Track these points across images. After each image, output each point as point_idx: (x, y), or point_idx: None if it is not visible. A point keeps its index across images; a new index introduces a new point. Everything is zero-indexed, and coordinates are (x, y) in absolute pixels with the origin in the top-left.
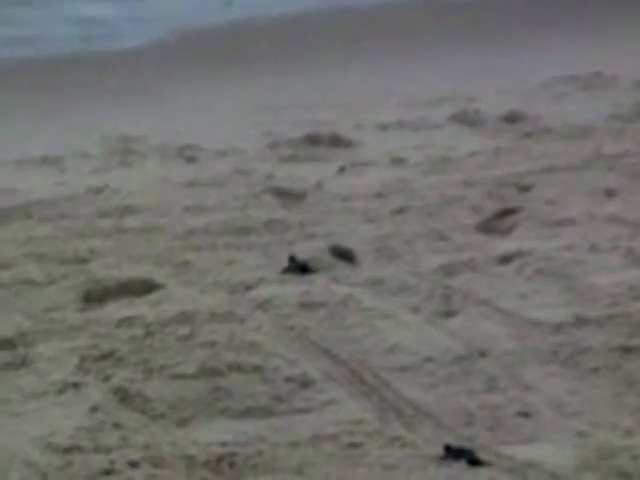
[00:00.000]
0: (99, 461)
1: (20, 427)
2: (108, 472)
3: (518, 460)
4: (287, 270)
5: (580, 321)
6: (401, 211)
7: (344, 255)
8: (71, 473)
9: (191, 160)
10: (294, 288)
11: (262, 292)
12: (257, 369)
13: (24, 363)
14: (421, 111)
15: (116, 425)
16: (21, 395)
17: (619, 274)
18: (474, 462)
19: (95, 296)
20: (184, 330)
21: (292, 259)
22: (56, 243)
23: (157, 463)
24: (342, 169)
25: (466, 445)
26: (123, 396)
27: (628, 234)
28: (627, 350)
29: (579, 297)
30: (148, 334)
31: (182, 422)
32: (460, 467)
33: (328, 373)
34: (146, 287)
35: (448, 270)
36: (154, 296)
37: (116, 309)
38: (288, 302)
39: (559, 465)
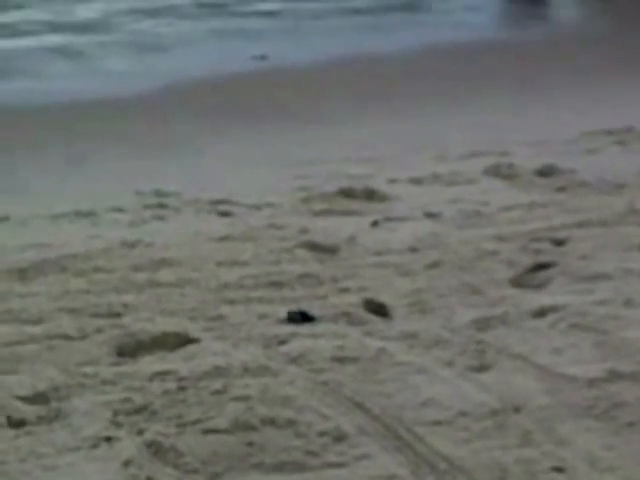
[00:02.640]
0: None
1: None
2: None
3: None
4: (289, 320)
5: (614, 376)
6: (435, 265)
7: (378, 309)
8: None
9: (225, 214)
10: (327, 342)
11: (295, 346)
12: (290, 423)
13: (57, 417)
14: (454, 165)
15: None
16: (54, 449)
17: None
18: None
19: (128, 350)
20: (217, 384)
21: (289, 312)
22: (89, 297)
23: None
24: (375, 223)
25: None
26: (156, 450)
27: None
28: None
29: (613, 352)
30: (181, 388)
31: (215, 477)
32: None
33: (361, 427)
34: (179, 341)
35: (482, 324)
36: (187, 350)
37: (149, 363)
38: (321, 356)
39: None
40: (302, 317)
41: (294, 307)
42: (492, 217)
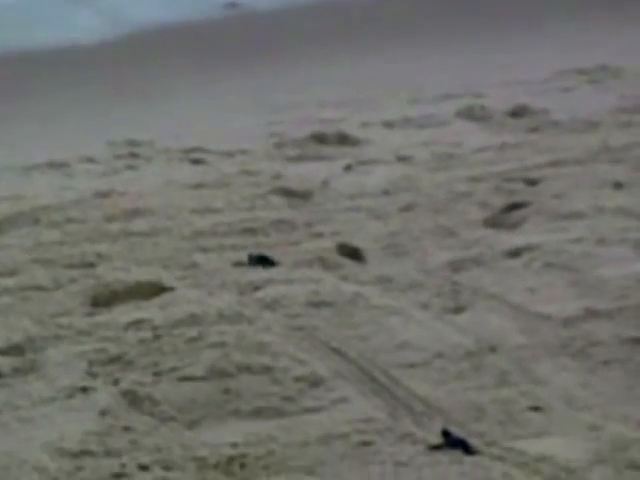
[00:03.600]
0: (109, 465)
1: (30, 433)
2: (118, 476)
3: (530, 455)
4: (250, 262)
5: (590, 314)
6: (408, 208)
7: (352, 253)
8: (82, 477)
9: (197, 162)
10: (302, 287)
11: (270, 292)
12: (266, 369)
13: (32, 368)
14: (427, 108)
15: (126, 429)
16: (30, 401)
17: (628, 266)
18: (469, 452)
19: (103, 300)
20: (193, 332)
21: (250, 256)
22: (63, 248)
23: (167, 466)
24: (348, 167)
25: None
26: (132, 399)
27: (636, 226)
28: (638, 342)
29: (588, 290)
30: (156, 337)
31: (192, 424)
32: (472, 462)
33: (338, 371)
34: (154, 290)
35: (456, 266)
36: (162, 299)
37: (124, 312)
38: (296, 302)
39: (571, 459)
40: (262, 261)
41: (255, 252)
42: (465, 159)
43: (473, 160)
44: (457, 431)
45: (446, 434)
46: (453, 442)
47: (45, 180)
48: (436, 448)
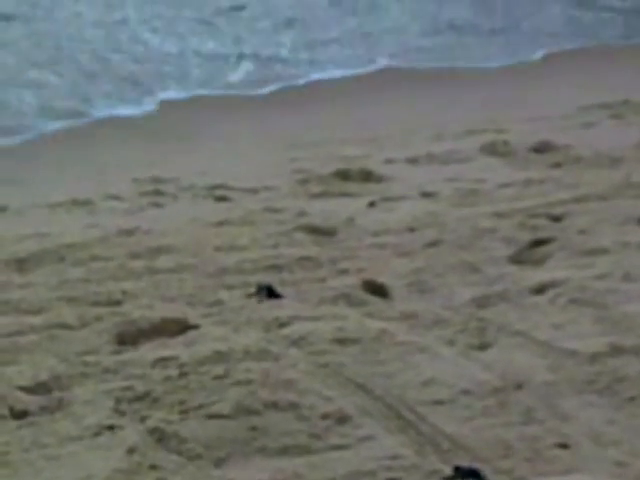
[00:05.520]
0: None
1: (57, 471)
2: None
3: None
4: (257, 294)
5: (616, 350)
6: (433, 244)
7: (377, 290)
8: None
9: (221, 199)
10: (328, 324)
11: (296, 329)
12: (293, 406)
13: (59, 407)
14: (450, 144)
15: (153, 467)
16: (57, 439)
17: None
18: None
19: (129, 338)
20: (219, 369)
21: (259, 286)
22: (88, 286)
23: None
24: (373, 204)
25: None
26: (159, 437)
27: None
28: None
29: (614, 326)
30: (183, 374)
31: (219, 462)
32: None
33: (364, 409)
34: (180, 327)
35: (482, 302)
36: (188, 336)
37: (150, 350)
38: (322, 338)
39: None
40: (268, 293)
41: (264, 283)
42: (489, 195)
43: (497, 196)
44: (485, 468)
45: (457, 469)
46: (465, 473)
47: (70, 218)
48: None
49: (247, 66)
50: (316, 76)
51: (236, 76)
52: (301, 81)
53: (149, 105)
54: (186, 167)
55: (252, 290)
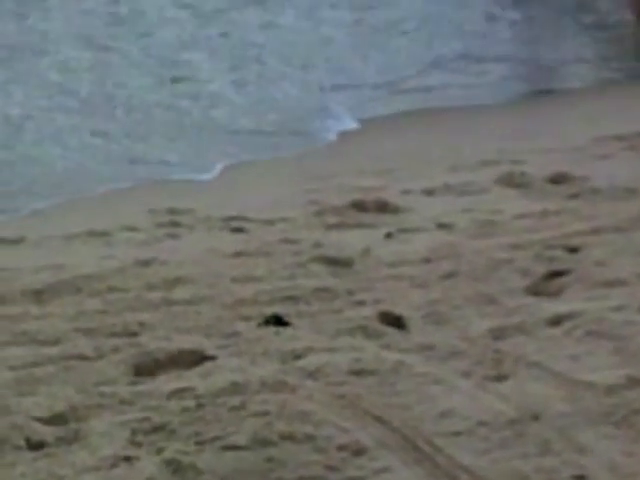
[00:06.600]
0: None
1: None
2: None
3: None
4: (266, 323)
5: (633, 382)
6: (449, 276)
7: (393, 321)
8: None
9: (238, 230)
10: (344, 356)
11: (312, 361)
12: (310, 438)
13: (76, 438)
14: (466, 175)
15: None
16: (73, 470)
17: None
18: None
19: (145, 369)
20: (235, 401)
21: (266, 318)
22: (105, 317)
23: None
24: (389, 235)
25: None
26: (176, 469)
27: None
28: None
29: (631, 358)
30: (199, 406)
31: None
32: None
33: (381, 440)
34: (196, 358)
35: (498, 334)
36: (204, 367)
37: (167, 381)
38: (339, 370)
39: None
40: (276, 321)
41: (272, 312)
42: (505, 226)
43: (513, 227)
44: None
45: None
46: None
47: (86, 249)
48: None
49: None
50: None
51: None
52: None
53: None
54: (202, 198)
55: (260, 321)
